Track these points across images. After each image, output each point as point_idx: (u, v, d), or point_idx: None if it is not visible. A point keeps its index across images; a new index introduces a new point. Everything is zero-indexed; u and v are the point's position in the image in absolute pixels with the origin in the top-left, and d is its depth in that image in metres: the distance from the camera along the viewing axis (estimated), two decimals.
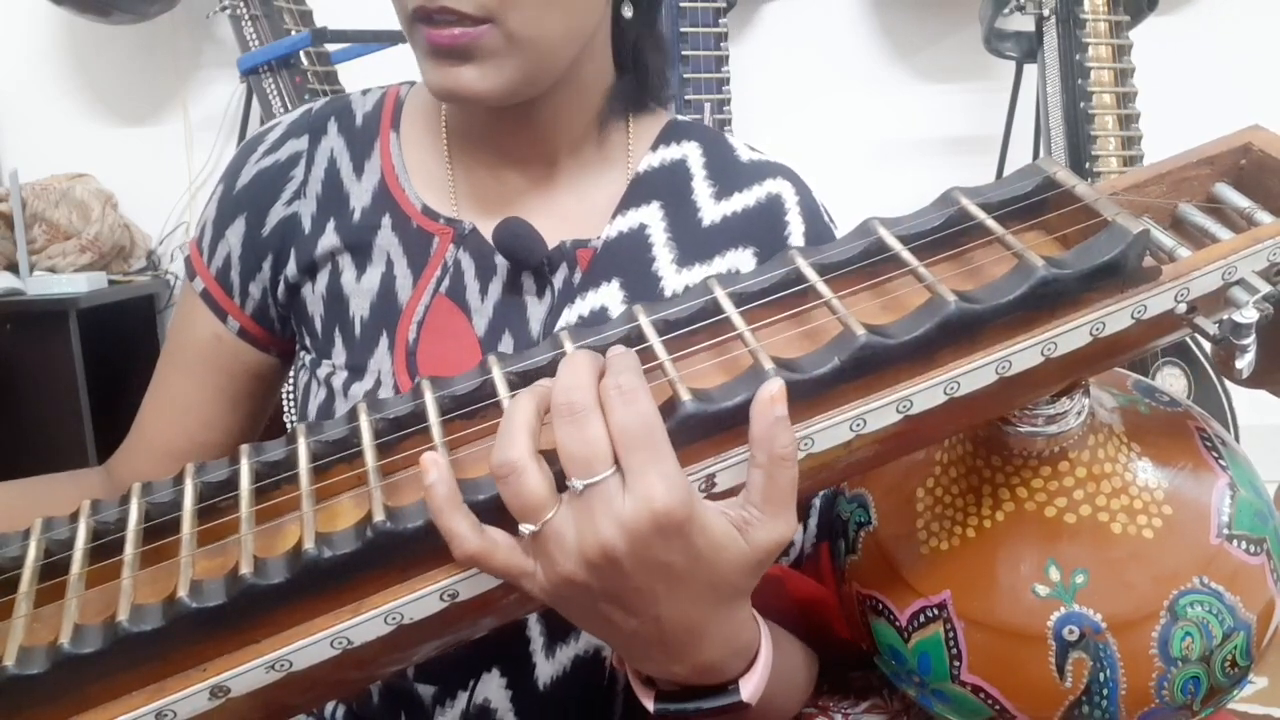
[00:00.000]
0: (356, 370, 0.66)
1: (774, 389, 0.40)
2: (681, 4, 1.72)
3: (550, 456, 0.40)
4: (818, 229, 0.70)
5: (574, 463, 0.39)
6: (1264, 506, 0.53)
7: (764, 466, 0.40)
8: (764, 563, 0.42)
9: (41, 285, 2.02)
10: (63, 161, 2.23)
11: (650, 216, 0.68)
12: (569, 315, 0.66)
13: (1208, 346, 0.48)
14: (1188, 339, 1.29)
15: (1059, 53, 1.65)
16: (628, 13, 0.66)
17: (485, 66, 0.58)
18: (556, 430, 0.39)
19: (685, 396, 0.41)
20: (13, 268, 2.10)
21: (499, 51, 0.58)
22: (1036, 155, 1.87)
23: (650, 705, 0.46)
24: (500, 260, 0.66)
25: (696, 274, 0.67)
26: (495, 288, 0.66)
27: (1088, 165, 1.60)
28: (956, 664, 0.53)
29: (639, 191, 0.69)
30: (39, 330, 1.92)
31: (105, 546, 0.43)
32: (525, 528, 0.39)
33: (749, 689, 0.46)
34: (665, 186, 0.69)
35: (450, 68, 0.58)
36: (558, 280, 0.67)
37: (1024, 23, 1.74)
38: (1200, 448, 0.54)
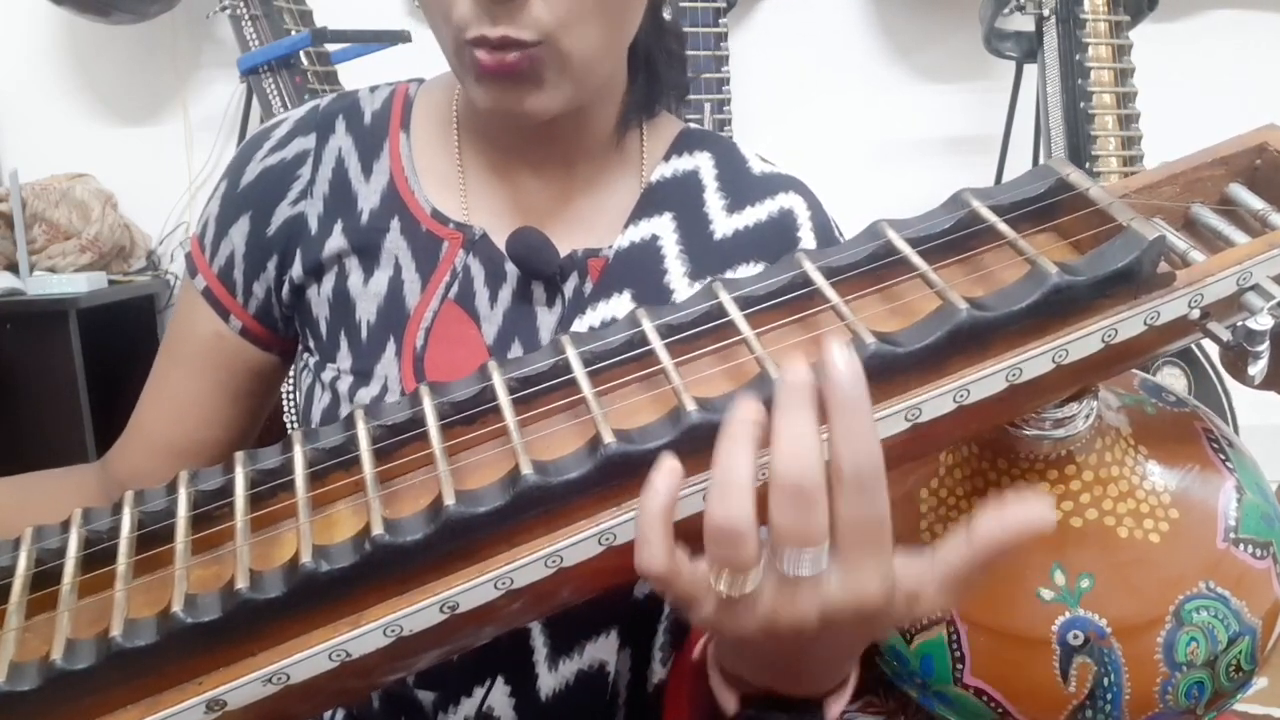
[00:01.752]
0: (363, 375, 0.65)
1: (1041, 524, 0.38)
2: (681, 4, 1.72)
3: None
4: (828, 245, 0.69)
5: (789, 542, 0.36)
6: (1270, 509, 0.53)
7: (971, 560, 0.38)
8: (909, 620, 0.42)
9: (41, 285, 2.02)
10: (63, 161, 2.23)
11: (662, 228, 0.67)
12: (579, 325, 0.65)
13: (1211, 346, 0.47)
14: None
15: (1059, 53, 1.64)
16: (668, 15, 0.65)
17: (539, 89, 0.58)
18: (775, 503, 0.36)
19: (690, 406, 0.41)
20: (13, 268, 2.10)
21: (553, 69, 0.57)
22: (1036, 155, 1.87)
23: (731, 705, 0.45)
24: (510, 268, 0.65)
25: None
26: (505, 295, 0.66)
27: (1088, 165, 1.60)
28: (959, 667, 0.53)
29: (651, 202, 0.68)
30: (39, 330, 1.92)
31: (97, 556, 0.42)
32: (722, 588, 0.37)
33: (835, 710, 0.45)
34: (677, 197, 0.69)
35: (507, 91, 0.58)
36: (568, 289, 0.66)
37: (1024, 23, 1.74)
38: (1207, 449, 0.53)
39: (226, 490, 0.43)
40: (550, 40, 0.55)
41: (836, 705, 0.45)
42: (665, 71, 0.69)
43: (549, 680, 0.62)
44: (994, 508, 0.38)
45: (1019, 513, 0.37)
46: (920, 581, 0.39)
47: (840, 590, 0.37)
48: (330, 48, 1.84)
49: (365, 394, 0.65)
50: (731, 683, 0.46)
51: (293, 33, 1.82)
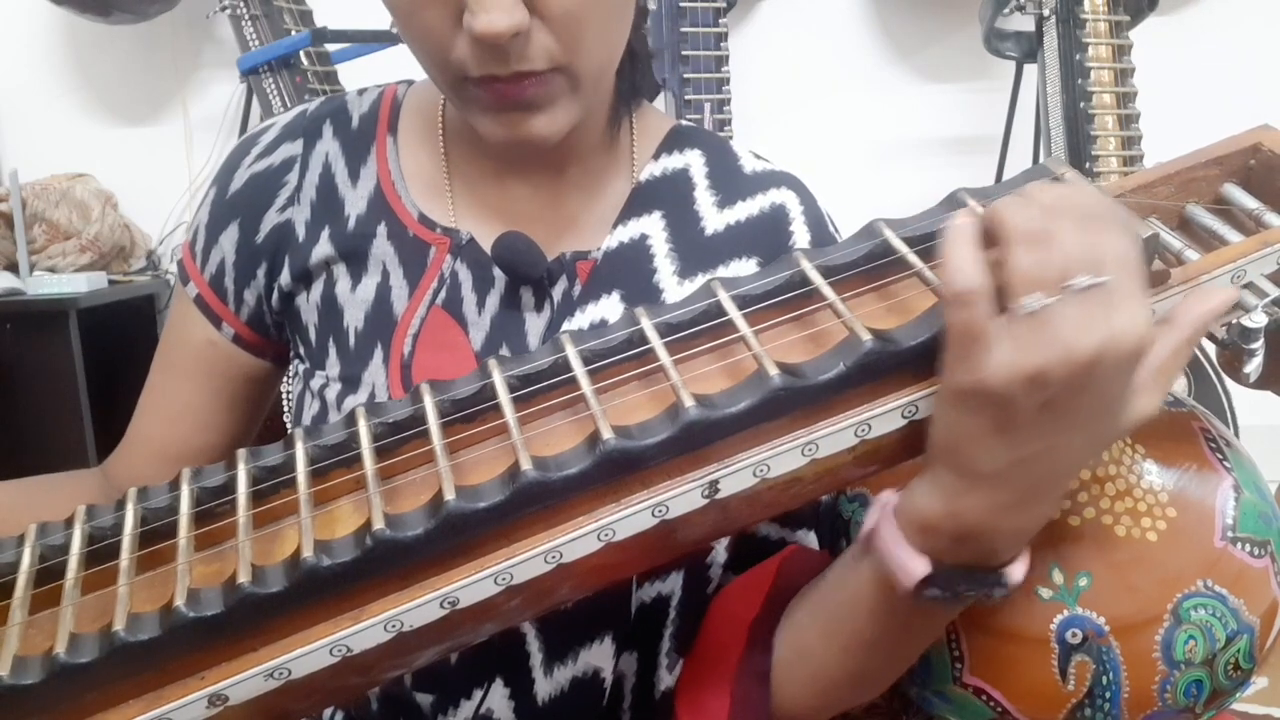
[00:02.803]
0: (350, 382, 0.65)
1: (1233, 297, 0.44)
2: (681, 4, 1.71)
3: None
4: (822, 239, 0.69)
5: (1078, 265, 0.39)
6: (1268, 508, 0.53)
7: (1178, 343, 0.43)
8: (1125, 434, 0.45)
9: (41, 285, 2.02)
10: (63, 161, 2.23)
11: (651, 227, 0.67)
12: (568, 328, 0.64)
13: (1210, 347, 0.48)
14: None
15: (1059, 53, 1.64)
16: (652, 5, 0.64)
17: (554, 111, 0.56)
18: (1021, 256, 0.40)
19: (689, 403, 0.41)
20: (13, 268, 2.10)
21: (563, 94, 0.56)
22: (1037, 155, 1.87)
23: (921, 568, 0.45)
24: (498, 272, 0.65)
25: (699, 284, 0.66)
26: (493, 300, 0.65)
27: (1088, 165, 1.60)
28: (958, 666, 0.53)
29: (640, 201, 0.67)
30: (39, 330, 1.92)
31: (101, 552, 0.42)
32: (1030, 302, 0.39)
33: (1017, 574, 0.46)
34: (667, 196, 0.68)
35: (519, 120, 0.56)
36: (556, 293, 0.65)
37: (1024, 23, 1.74)
38: (1205, 449, 0.53)
39: (228, 487, 0.44)
40: (560, 66, 0.55)
41: (1019, 568, 0.46)
42: (643, 58, 0.69)
43: (545, 686, 0.62)
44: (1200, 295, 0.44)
45: (1217, 292, 0.44)
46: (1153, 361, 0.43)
47: (1121, 318, 0.39)
48: (330, 48, 1.84)
49: (352, 401, 0.64)
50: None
51: (293, 33, 1.82)
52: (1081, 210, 0.41)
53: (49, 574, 0.42)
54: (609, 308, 0.64)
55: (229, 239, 0.68)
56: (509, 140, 0.57)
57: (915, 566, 0.45)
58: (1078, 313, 0.39)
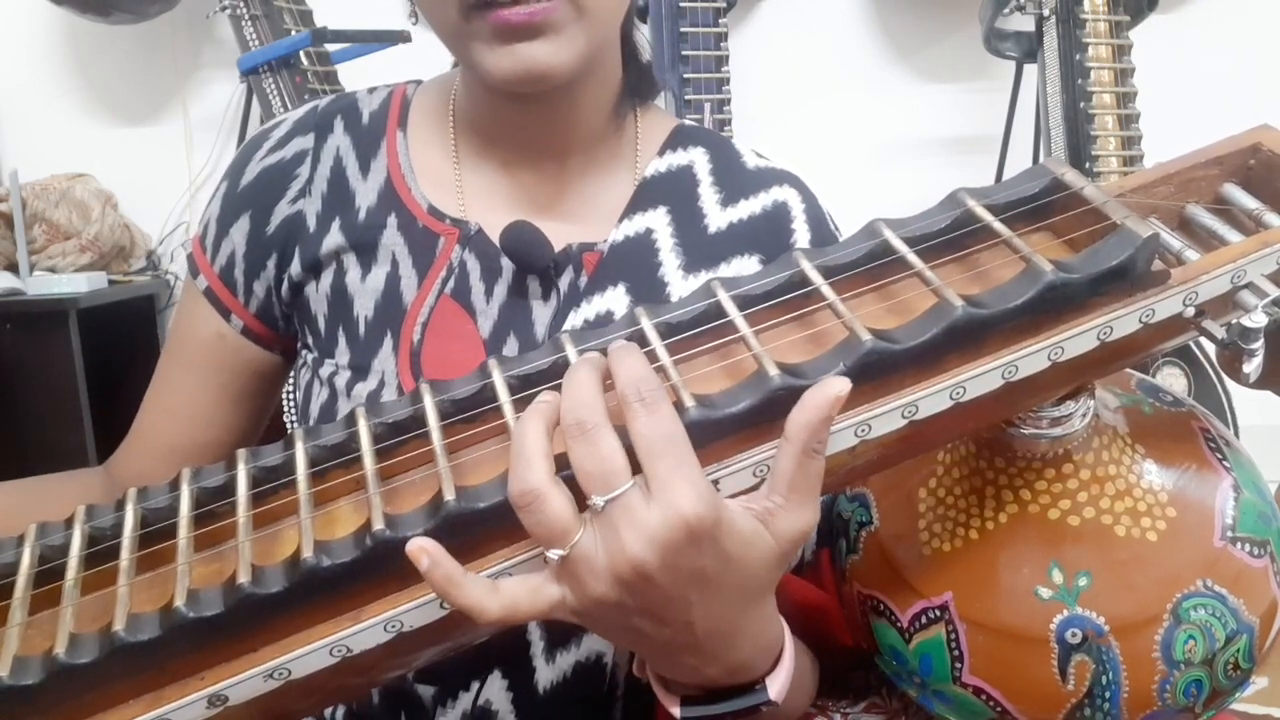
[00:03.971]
0: (360, 370, 0.66)
1: (842, 390, 0.39)
2: (681, 4, 1.72)
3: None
4: (823, 236, 0.70)
5: (591, 480, 0.38)
6: (1267, 508, 0.53)
7: (796, 457, 0.40)
8: (789, 554, 0.42)
9: (41, 285, 2.02)
10: (63, 161, 2.23)
11: (657, 221, 0.68)
12: (574, 319, 0.66)
13: (1210, 347, 0.48)
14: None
15: (1059, 53, 1.65)
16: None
17: (557, 40, 0.57)
18: (570, 451, 0.39)
19: (689, 403, 0.41)
20: (13, 268, 2.10)
21: (569, 22, 0.57)
22: (1036, 155, 1.87)
23: (677, 712, 0.46)
24: (506, 262, 0.66)
25: (702, 280, 0.67)
26: (500, 289, 0.66)
27: (1088, 165, 1.60)
28: (958, 665, 0.53)
29: (646, 196, 0.69)
30: (39, 330, 1.93)
31: (101, 552, 0.42)
32: (553, 553, 0.39)
33: (776, 686, 0.46)
34: (672, 192, 0.69)
35: (521, 46, 0.56)
36: (563, 283, 0.67)
37: (1024, 23, 1.74)
38: (1204, 449, 0.53)
39: (228, 487, 0.44)
40: None
41: (776, 681, 0.46)
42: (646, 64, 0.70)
43: (547, 673, 0.63)
44: (803, 401, 0.40)
45: (817, 393, 0.40)
46: (766, 499, 0.40)
47: (657, 510, 0.37)
48: (330, 48, 1.85)
49: (362, 389, 0.65)
50: (673, 690, 0.47)
51: (293, 33, 1.82)
52: (575, 416, 0.39)
53: (49, 574, 0.42)
54: (614, 299, 0.66)
55: (240, 231, 0.69)
56: (514, 73, 0.57)
57: (672, 706, 0.46)
58: (604, 532, 0.38)
